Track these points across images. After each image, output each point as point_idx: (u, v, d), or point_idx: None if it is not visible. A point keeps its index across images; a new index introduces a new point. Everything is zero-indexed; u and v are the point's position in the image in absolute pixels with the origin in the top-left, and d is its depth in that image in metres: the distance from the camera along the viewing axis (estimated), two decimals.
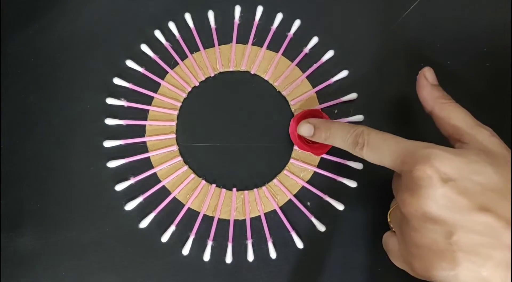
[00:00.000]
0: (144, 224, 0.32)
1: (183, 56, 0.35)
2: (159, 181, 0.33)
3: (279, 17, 0.35)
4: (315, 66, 0.34)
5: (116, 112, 0.34)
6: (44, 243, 0.32)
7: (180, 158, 0.33)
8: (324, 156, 0.33)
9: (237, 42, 0.35)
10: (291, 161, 0.33)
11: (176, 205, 0.33)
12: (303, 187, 0.33)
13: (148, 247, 0.32)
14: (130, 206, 0.33)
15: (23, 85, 0.34)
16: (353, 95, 0.34)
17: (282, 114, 0.34)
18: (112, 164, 0.33)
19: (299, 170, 0.33)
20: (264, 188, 0.33)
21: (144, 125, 0.34)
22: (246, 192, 0.33)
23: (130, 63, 0.34)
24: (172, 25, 0.35)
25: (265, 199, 0.33)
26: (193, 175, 0.33)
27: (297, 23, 0.35)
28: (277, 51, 0.35)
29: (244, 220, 0.33)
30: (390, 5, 0.35)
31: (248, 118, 0.34)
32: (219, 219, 0.33)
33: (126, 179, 0.33)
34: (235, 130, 0.34)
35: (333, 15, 0.35)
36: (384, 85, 0.34)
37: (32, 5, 0.35)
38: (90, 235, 0.32)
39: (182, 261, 0.32)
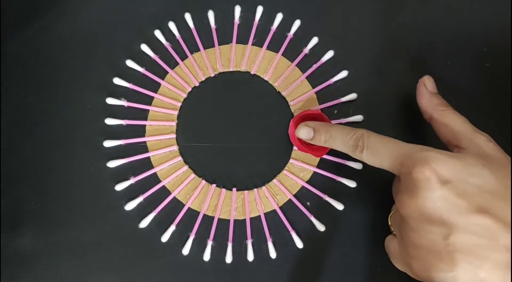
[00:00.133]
0: (144, 224, 0.32)
1: (183, 56, 0.35)
2: (159, 181, 0.33)
3: (279, 17, 0.35)
4: (315, 66, 0.34)
5: (116, 112, 0.34)
6: (44, 243, 0.32)
7: (180, 158, 0.34)
8: (324, 156, 0.33)
9: (237, 42, 0.35)
10: (291, 161, 0.33)
11: (176, 205, 0.33)
12: (302, 187, 0.33)
13: (148, 247, 0.32)
14: (130, 206, 0.33)
15: (23, 85, 0.34)
16: (352, 96, 0.34)
17: (282, 115, 0.34)
18: (112, 164, 0.33)
19: (299, 170, 0.33)
20: (264, 188, 0.33)
21: (144, 125, 0.34)
22: (246, 192, 0.33)
23: (130, 63, 0.34)
24: (172, 25, 0.35)
25: (265, 199, 0.33)
26: (193, 175, 0.33)
27: (297, 23, 0.35)
28: (277, 51, 0.35)
29: (244, 220, 0.33)
30: (390, 5, 0.35)
31: (248, 119, 0.34)
32: (219, 219, 0.33)
33: (126, 179, 0.33)
34: (235, 131, 0.34)
35: (333, 16, 0.35)
36: (384, 85, 0.34)
37: (32, 5, 0.35)
38: (90, 235, 0.32)
39: (182, 261, 0.32)
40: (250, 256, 0.32)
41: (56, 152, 0.33)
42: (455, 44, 0.34)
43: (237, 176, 0.33)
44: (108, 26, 0.35)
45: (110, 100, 0.34)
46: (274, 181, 0.33)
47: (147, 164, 0.33)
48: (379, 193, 0.32)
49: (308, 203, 0.33)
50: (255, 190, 0.33)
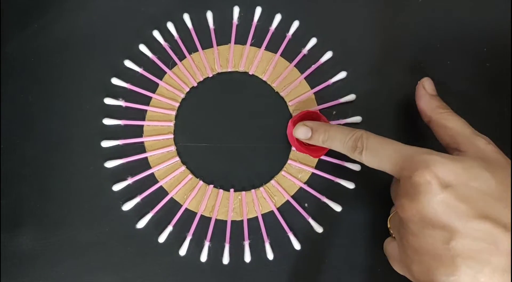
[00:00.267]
0: (141, 224, 0.32)
1: (182, 57, 0.35)
2: (157, 181, 0.33)
3: (277, 18, 0.35)
4: (313, 67, 0.34)
5: (114, 112, 0.34)
6: (44, 243, 0.32)
7: (177, 159, 0.33)
8: (322, 157, 0.33)
9: (235, 43, 0.35)
10: (289, 162, 0.33)
11: (174, 205, 0.33)
12: (300, 188, 0.33)
13: (146, 248, 0.32)
14: (127, 206, 0.33)
15: (22, 85, 0.34)
16: (351, 97, 0.34)
17: (280, 115, 0.34)
18: (109, 164, 0.33)
19: (297, 171, 0.33)
20: (261, 188, 0.33)
21: (142, 126, 0.34)
22: (243, 192, 0.33)
23: (128, 64, 0.34)
24: (170, 26, 0.35)
25: (263, 200, 0.33)
26: (190, 176, 0.33)
27: (295, 24, 0.35)
28: (275, 52, 0.35)
29: (242, 221, 0.33)
30: (390, 5, 0.35)
31: (246, 119, 0.34)
32: (216, 220, 0.33)
33: (124, 179, 0.33)
34: (233, 131, 0.34)
35: (331, 16, 0.35)
36: (383, 86, 0.34)
37: (32, 5, 0.35)
38: (87, 235, 0.32)
39: (179, 262, 0.32)
40: (247, 257, 0.32)
41: (54, 152, 0.33)
42: (455, 44, 0.34)
43: (234, 177, 0.33)
44: (107, 27, 0.35)
45: (108, 101, 0.34)
46: (272, 181, 0.33)
47: (144, 164, 0.33)
48: (377, 194, 0.32)
49: (306, 204, 0.33)
50: (252, 190, 0.33)
